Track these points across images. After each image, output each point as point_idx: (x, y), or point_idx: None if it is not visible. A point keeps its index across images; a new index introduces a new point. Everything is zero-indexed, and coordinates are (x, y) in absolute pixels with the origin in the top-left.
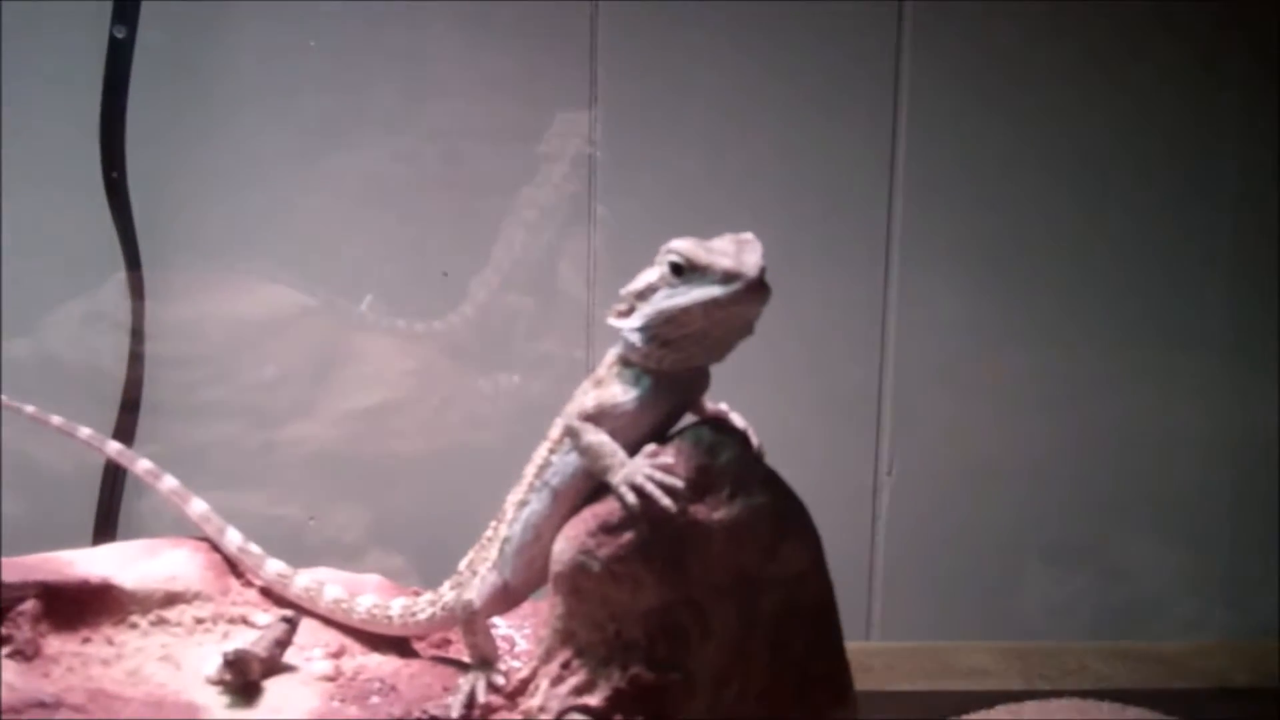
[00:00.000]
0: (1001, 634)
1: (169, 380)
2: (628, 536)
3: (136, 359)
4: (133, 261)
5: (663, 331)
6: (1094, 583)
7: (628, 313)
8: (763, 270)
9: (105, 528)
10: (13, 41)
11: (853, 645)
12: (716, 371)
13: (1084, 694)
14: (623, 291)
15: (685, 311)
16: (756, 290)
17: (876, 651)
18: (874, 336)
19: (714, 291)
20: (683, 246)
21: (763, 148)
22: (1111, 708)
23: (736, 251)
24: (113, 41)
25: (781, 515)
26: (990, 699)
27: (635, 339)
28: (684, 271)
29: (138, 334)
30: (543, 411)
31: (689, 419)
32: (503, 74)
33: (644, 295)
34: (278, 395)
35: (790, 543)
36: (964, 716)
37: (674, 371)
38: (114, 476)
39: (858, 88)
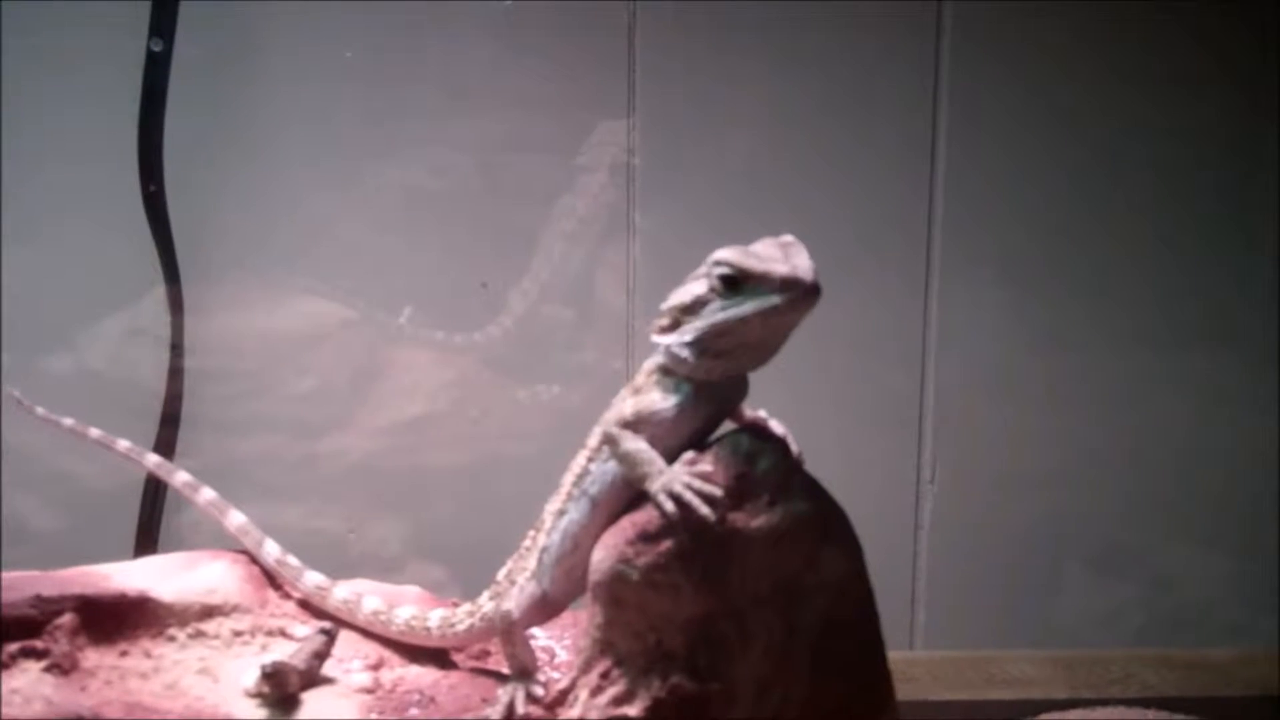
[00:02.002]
0: (1045, 643)
1: (209, 394)
2: (666, 545)
3: (176, 373)
4: (172, 276)
5: (716, 344)
6: (1139, 590)
7: (671, 327)
8: (816, 272)
9: (146, 542)
10: (50, 55)
11: (895, 655)
12: (758, 380)
13: (1129, 702)
14: (665, 306)
15: (743, 323)
16: (814, 294)
17: (919, 661)
18: (915, 343)
19: (772, 300)
20: (733, 257)
21: (802, 154)
22: (1158, 716)
23: (786, 256)
24: (150, 54)
25: (822, 523)
26: (1035, 708)
27: (685, 353)
28: (737, 283)
29: (177, 348)
30: (582, 422)
31: (728, 426)
32: (540, 84)
33: (692, 309)
34: (317, 408)
35: (831, 550)
36: None
37: (714, 380)
38: (155, 491)
39: (897, 93)
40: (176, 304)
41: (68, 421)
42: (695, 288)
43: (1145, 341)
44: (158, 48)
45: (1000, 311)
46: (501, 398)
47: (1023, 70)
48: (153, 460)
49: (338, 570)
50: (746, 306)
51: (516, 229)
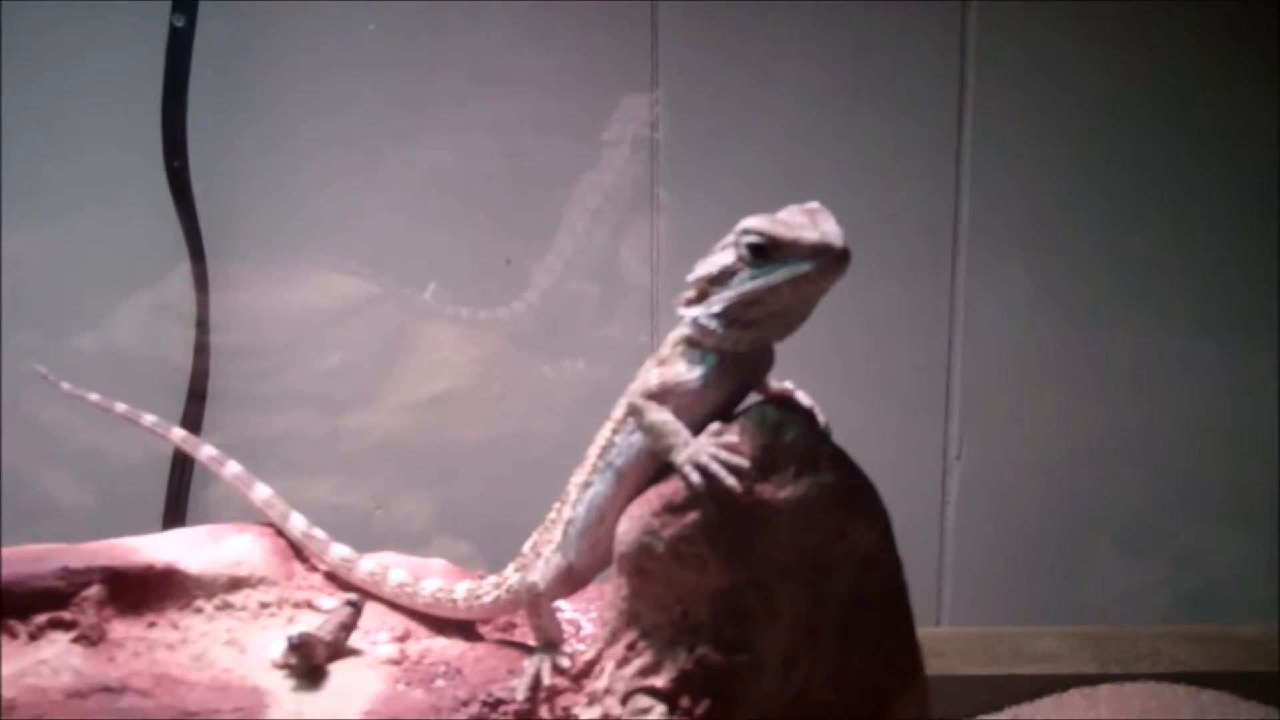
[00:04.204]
0: (1073, 619)
1: (235, 371)
2: (692, 516)
3: (202, 350)
4: (197, 253)
5: (746, 313)
6: (1167, 567)
7: (698, 298)
8: (845, 238)
9: (174, 517)
10: (73, 31)
11: (923, 631)
12: (784, 357)
13: (1159, 678)
14: (691, 277)
15: (773, 291)
16: (844, 260)
17: (946, 637)
18: (943, 320)
19: (802, 268)
20: (762, 225)
21: (827, 129)
22: (1187, 692)
23: (814, 223)
24: (173, 30)
25: (850, 494)
26: (1063, 683)
27: (713, 324)
28: (766, 251)
29: (203, 325)
30: (607, 397)
31: (754, 398)
32: (564, 59)
33: (720, 279)
34: (342, 384)
35: (859, 522)
36: (1037, 701)
37: (741, 350)
38: (182, 466)
39: (923, 69)
40: (202, 281)
41: (94, 396)
42: (722, 258)
43: (1173, 321)
44: (180, 23)
45: (1027, 290)
46: (526, 373)
47: (1051, 53)
48: (179, 434)
49: (364, 546)
50: (777, 275)
51: (541, 205)
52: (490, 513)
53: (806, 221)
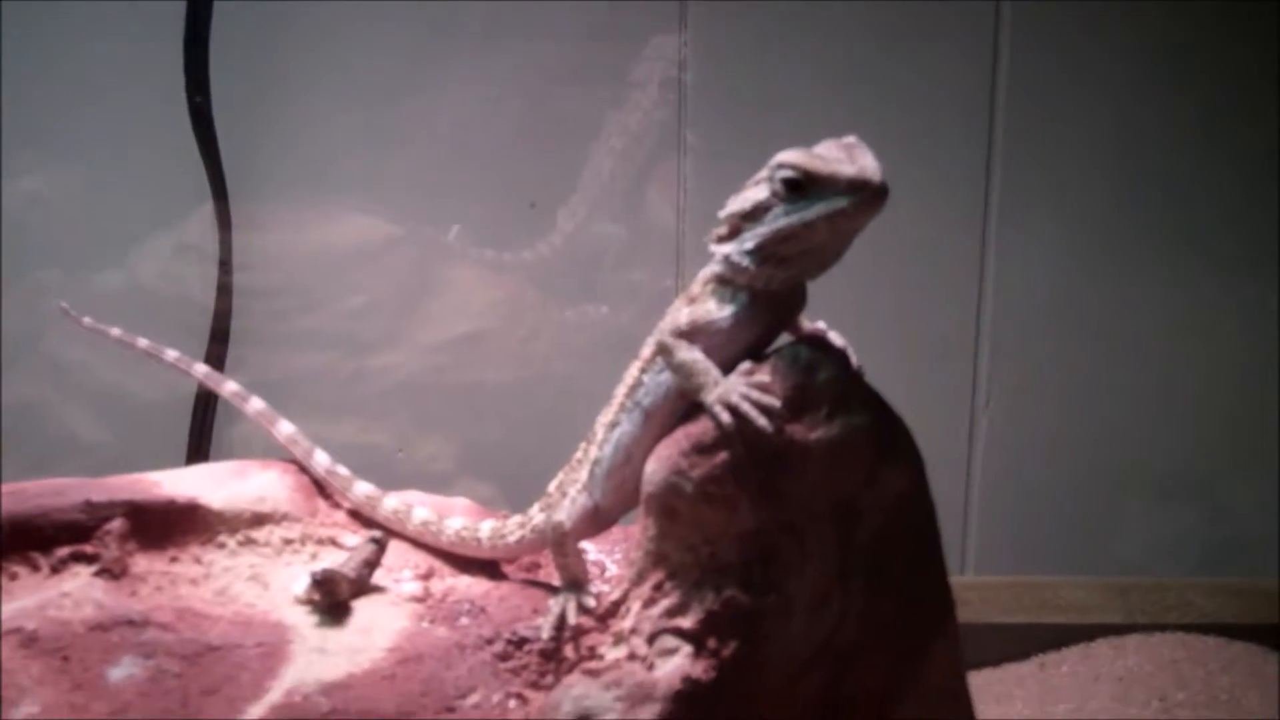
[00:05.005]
0: (1100, 569)
1: (258, 310)
2: (722, 457)
3: (225, 290)
4: (219, 192)
5: (780, 250)
6: (1197, 517)
7: (730, 235)
8: (883, 172)
9: (197, 456)
10: None
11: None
12: (814, 300)
13: (1187, 629)
14: (723, 214)
15: (808, 227)
16: (882, 196)
17: (972, 585)
18: (974, 268)
19: (839, 204)
20: (797, 160)
21: (858, 72)
22: (1217, 643)
23: (851, 158)
24: None
25: (882, 435)
26: (1090, 632)
27: (745, 261)
28: (802, 186)
29: (226, 265)
30: (630, 342)
31: (785, 338)
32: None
33: (753, 215)
34: (366, 325)
35: (891, 464)
36: (1064, 650)
37: (773, 289)
38: (205, 404)
39: (958, 18)
40: (225, 220)
41: (115, 331)
42: (756, 193)
43: (1204, 268)
44: None
45: (1059, 236)
46: (550, 316)
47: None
48: (201, 370)
49: (386, 486)
50: (812, 210)
51: (567, 148)
52: (512, 455)
53: (843, 156)
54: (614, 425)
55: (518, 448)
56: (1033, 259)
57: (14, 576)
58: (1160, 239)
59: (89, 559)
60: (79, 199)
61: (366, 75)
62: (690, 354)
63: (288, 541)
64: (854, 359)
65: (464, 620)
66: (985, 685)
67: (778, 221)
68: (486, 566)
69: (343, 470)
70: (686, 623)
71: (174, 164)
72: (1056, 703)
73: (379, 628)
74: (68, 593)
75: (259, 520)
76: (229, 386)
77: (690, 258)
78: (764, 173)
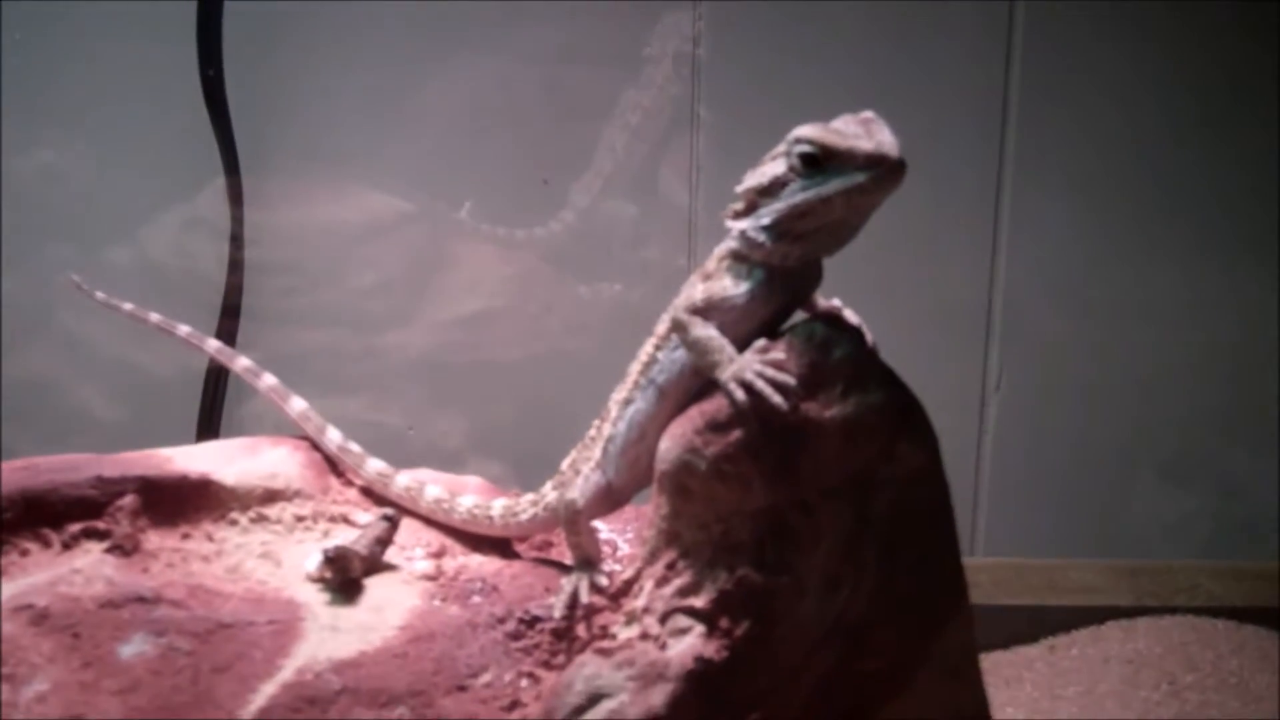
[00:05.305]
0: (1109, 551)
1: (269, 286)
2: (736, 435)
3: (236, 265)
4: (231, 167)
5: (796, 226)
6: (1207, 500)
7: (746, 210)
8: (901, 148)
9: (207, 431)
10: None
11: None
12: (825, 281)
13: (1196, 611)
14: (740, 188)
15: (825, 203)
16: (900, 171)
17: (982, 567)
18: (985, 249)
19: (857, 179)
20: (815, 134)
21: (872, 49)
22: (1226, 626)
23: (869, 133)
24: None
25: (897, 414)
26: (1099, 615)
27: (761, 237)
28: (819, 161)
29: (237, 240)
30: (644, 319)
31: (800, 316)
32: None
33: (770, 191)
34: (378, 301)
35: (906, 442)
36: (1074, 632)
37: (789, 266)
38: (216, 380)
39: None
40: (236, 195)
41: (127, 306)
42: (773, 168)
43: (1215, 250)
44: None
45: (1070, 219)
46: (563, 294)
47: None
48: (213, 345)
49: (398, 464)
50: (830, 186)
51: (580, 125)
52: (523, 434)
53: (861, 131)
54: (628, 402)
55: (529, 426)
56: (1044, 242)
57: (25, 552)
58: (1169, 224)
59: (101, 535)
60: (91, 173)
61: (379, 51)
62: (705, 331)
63: (300, 519)
64: (869, 337)
65: (476, 599)
66: (994, 667)
67: (795, 197)
68: (499, 545)
69: (355, 447)
70: (699, 602)
71: (186, 138)
72: (1066, 685)
73: (391, 606)
74: (79, 569)
75: (271, 497)
76: (241, 362)
77: (703, 235)
78: (781, 147)
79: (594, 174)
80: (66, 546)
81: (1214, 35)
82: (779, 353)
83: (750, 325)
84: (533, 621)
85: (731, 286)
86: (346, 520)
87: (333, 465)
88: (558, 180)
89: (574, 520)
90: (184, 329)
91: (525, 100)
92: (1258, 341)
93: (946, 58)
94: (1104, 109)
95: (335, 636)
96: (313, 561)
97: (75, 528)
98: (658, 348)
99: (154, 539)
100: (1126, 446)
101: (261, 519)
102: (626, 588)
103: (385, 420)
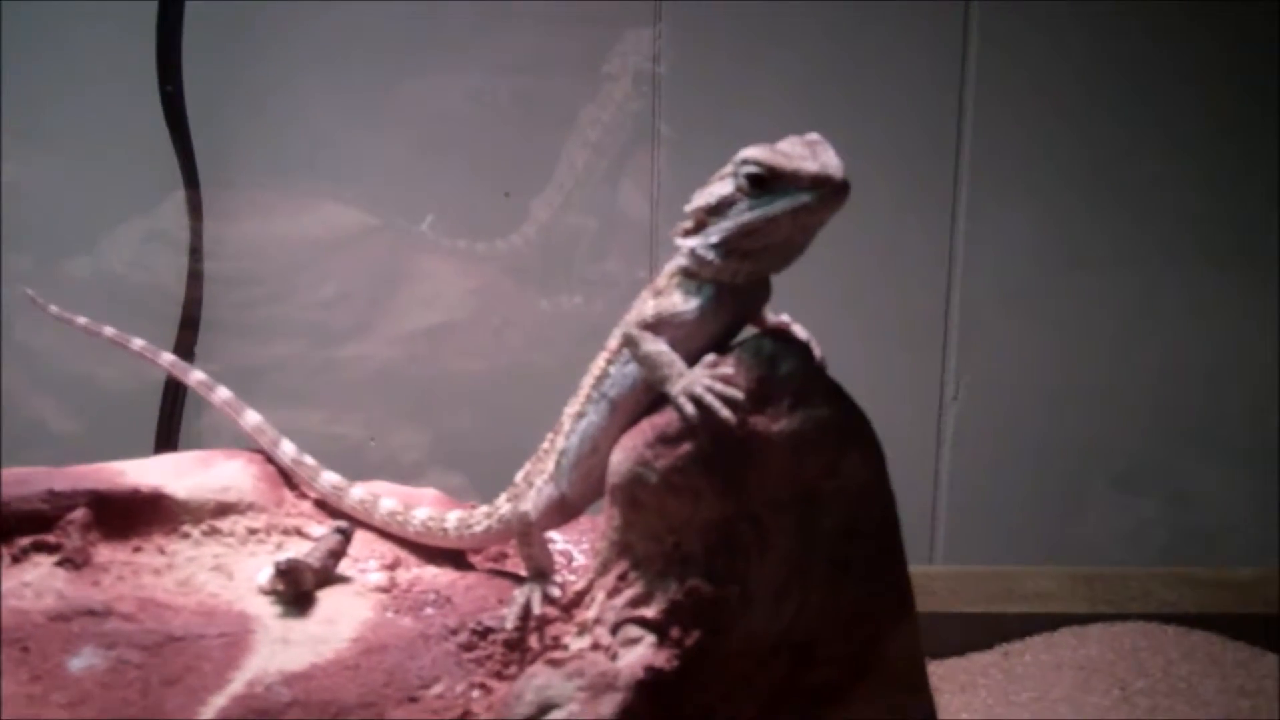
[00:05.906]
0: (1065, 559)
1: (228, 299)
2: (686, 448)
3: (196, 278)
4: (191, 180)
5: (744, 244)
6: (1161, 507)
7: (695, 229)
8: (844, 170)
9: (166, 444)
10: None
11: (915, 569)
12: (783, 292)
13: (1148, 618)
14: (689, 208)
15: (771, 222)
16: (844, 192)
17: (939, 575)
18: (942, 258)
19: (802, 199)
20: (761, 156)
21: (830, 64)
22: (1177, 632)
23: (814, 154)
24: None
25: (844, 428)
26: (1054, 622)
27: (710, 255)
28: (765, 182)
29: (196, 253)
30: (604, 332)
31: (751, 331)
32: None
33: (718, 210)
34: (337, 314)
35: (852, 456)
36: (1028, 639)
37: (738, 283)
38: (175, 393)
39: (927, 6)
40: (196, 208)
41: (81, 319)
42: (720, 188)
43: (1171, 260)
44: None
45: (1027, 229)
46: (524, 307)
47: None
48: (168, 359)
49: (356, 477)
50: (776, 206)
51: (541, 139)
52: (484, 446)
53: (806, 152)
54: (580, 416)
55: (490, 438)
56: (1001, 250)
57: None
58: (1126, 233)
59: (51, 549)
60: (49, 186)
61: (341, 65)
62: (656, 346)
63: (252, 531)
64: (818, 352)
65: (429, 610)
66: (949, 674)
67: (742, 216)
68: (453, 557)
69: (309, 460)
70: (650, 612)
71: (145, 151)
72: (1019, 691)
73: (343, 618)
74: (29, 582)
75: (224, 510)
76: (195, 376)
77: (663, 249)
78: (728, 168)
79: (555, 188)
80: (16, 560)
81: (1172, 40)
82: (728, 368)
83: (700, 341)
84: (485, 633)
85: (682, 302)
86: (300, 533)
87: (287, 478)
88: (519, 194)
89: (527, 532)
90: (138, 342)
91: (487, 114)
92: (1214, 351)
93: (902, 71)
94: (1060, 116)
95: (286, 649)
96: (265, 574)
97: (25, 541)
98: (609, 362)
99: (105, 552)
100: (1082, 454)
101: (214, 532)
102: (579, 599)
103: (346, 432)
